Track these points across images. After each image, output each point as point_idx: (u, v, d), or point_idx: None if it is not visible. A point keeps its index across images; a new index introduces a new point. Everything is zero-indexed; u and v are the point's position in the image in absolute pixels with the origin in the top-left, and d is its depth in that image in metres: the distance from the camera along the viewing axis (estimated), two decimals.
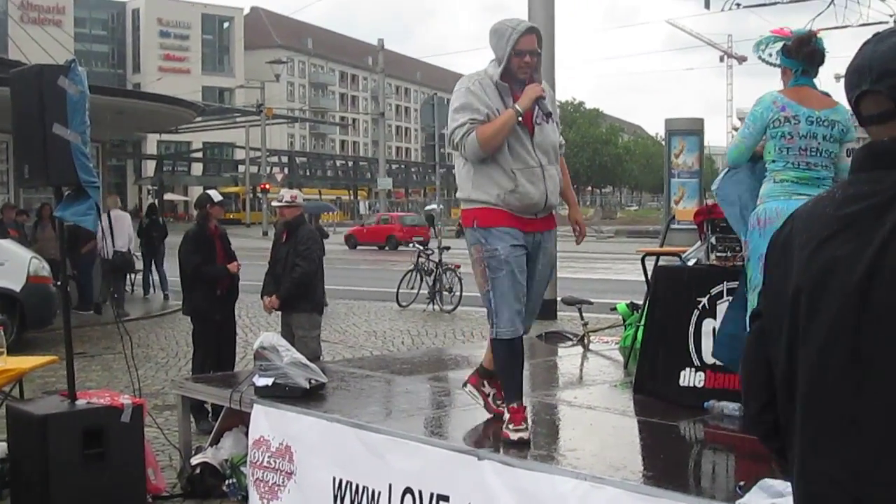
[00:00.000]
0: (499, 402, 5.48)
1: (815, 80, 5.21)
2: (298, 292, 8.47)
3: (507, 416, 5.16)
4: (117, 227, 17.07)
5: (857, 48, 2.05)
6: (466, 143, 5.03)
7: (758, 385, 2.16)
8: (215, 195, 9.33)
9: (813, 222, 2.01)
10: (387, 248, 43.08)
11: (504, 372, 5.35)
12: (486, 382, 5.62)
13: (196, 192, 70.91)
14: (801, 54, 5.13)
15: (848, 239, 1.92)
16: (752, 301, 5.17)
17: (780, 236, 2.10)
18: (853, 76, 2.00)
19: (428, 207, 61.23)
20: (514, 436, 4.98)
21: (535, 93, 5.07)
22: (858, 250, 1.89)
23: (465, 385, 5.74)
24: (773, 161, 5.13)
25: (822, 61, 5.18)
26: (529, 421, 5.25)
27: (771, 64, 5.37)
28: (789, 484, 3.97)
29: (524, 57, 5.06)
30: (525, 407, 5.28)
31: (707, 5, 29.11)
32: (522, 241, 5.14)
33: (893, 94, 1.92)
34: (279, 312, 8.77)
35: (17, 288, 12.76)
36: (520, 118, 5.04)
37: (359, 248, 43.78)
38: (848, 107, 4.83)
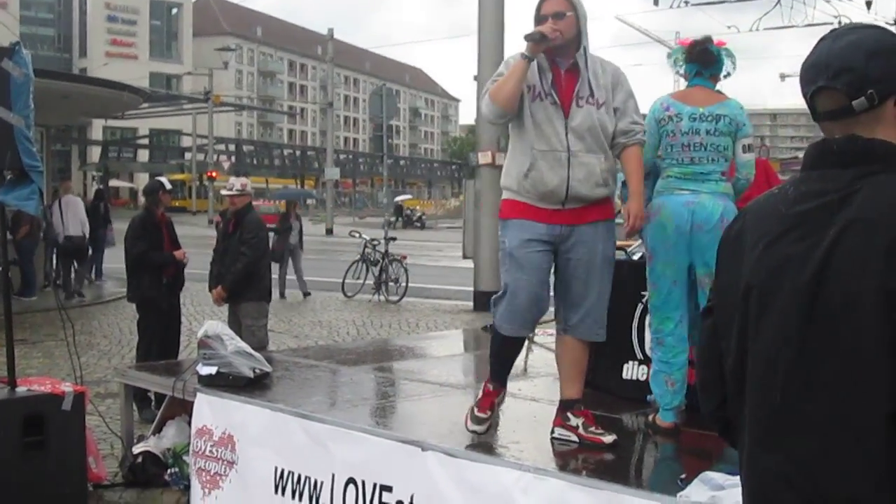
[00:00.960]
0: (591, 429, 4.88)
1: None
2: (245, 281, 8.42)
3: (479, 395, 5.05)
4: (70, 213, 17.20)
5: (801, 48, 2.07)
6: (482, 103, 4.80)
7: (714, 380, 2.16)
8: (167, 182, 9.27)
9: (764, 219, 2.02)
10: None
11: (492, 355, 5.11)
12: (570, 416, 4.94)
13: (142, 178, 70.36)
14: (693, 55, 5.27)
15: (799, 237, 1.93)
16: (651, 293, 5.31)
17: (731, 232, 2.10)
18: (810, 72, 2.00)
19: (398, 198, 61.54)
20: (470, 426, 4.94)
21: (540, 29, 4.64)
22: (809, 249, 1.90)
23: (552, 433, 5.03)
24: (663, 159, 5.26)
25: (712, 61, 5.28)
26: (497, 411, 5.10)
27: (680, 74, 5.58)
28: (729, 477, 4.02)
29: (547, 20, 4.66)
30: (499, 392, 5.07)
31: (656, 2, 29.26)
32: (540, 235, 4.74)
33: (849, 90, 1.93)
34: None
35: None
36: (550, 96, 4.70)
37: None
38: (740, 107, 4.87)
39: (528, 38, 4.64)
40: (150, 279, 8.67)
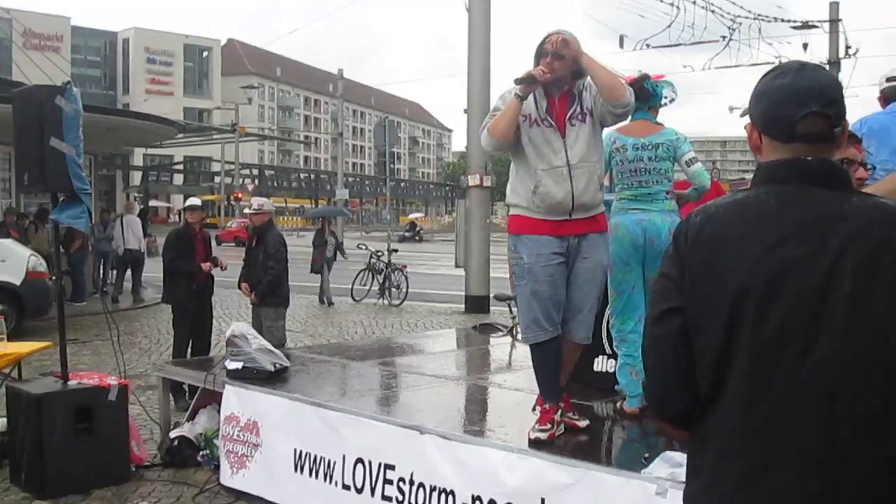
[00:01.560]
0: (569, 414, 4.85)
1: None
2: (272, 290, 8.47)
3: (537, 413, 4.77)
4: (130, 230, 17.73)
5: (746, 82, 2.05)
6: (482, 136, 4.70)
7: (682, 381, 2.00)
8: (192, 201, 9.28)
9: (751, 225, 1.94)
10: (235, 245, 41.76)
11: (536, 373, 4.86)
12: None
13: (177, 199, 70.10)
14: (635, 93, 5.20)
15: (799, 243, 1.87)
16: (613, 298, 5.33)
17: (700, 236, 1.98)
18: (801, 95, 1.93)
19: (413, 215, 61.14)
20: (532, 434, 4.61)
21: (531, 71, 4.55)
22: (813, 255, 1.85)
23: (534, 408, 4.92)
24: (617, 184, 5.36)
25: (647, 96, 5.29)
26: (557, 422, 4.73)
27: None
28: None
29: (546, 58, 4.53)
30: (558, 408, 4.77)
31: (621, 45, 29.40)
32: (554, 248, 4.64)
33: (836, 119, 1.93)
34: (249, 301, 8.76)
35: (18, 282, 12.70)
36: (546, 121, 4.60)
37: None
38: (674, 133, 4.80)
39: (518, 81, 4.59)
40: (182, 285, 8.68)
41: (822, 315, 1.81)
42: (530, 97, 4.60)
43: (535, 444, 4.51)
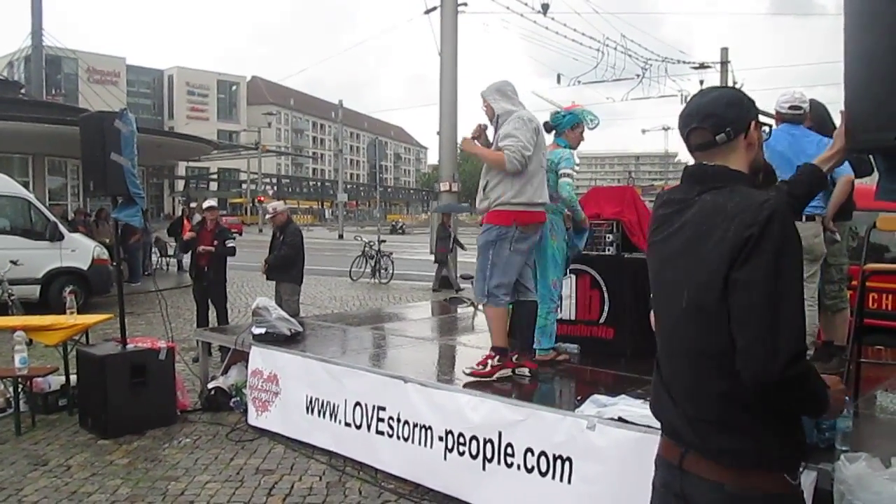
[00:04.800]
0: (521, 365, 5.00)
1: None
2: (282, 266, 8.38)
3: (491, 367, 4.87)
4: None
5: (656, 111, 2.09)
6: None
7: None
8: (209, 202, 9.23)
9: (652, 217, 2.06)
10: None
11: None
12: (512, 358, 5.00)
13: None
14: (546, 126, 5.37)
15: (659, 232, 1.98)
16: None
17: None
18: (687, 118, 1.99)
19: (397, 215, 60.45)
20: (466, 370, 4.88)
21: (471, 133, 5.04)
22: (667, 240, 1.95)
23: (513, 371, 5.00)
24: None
25: (549, 128, 5.38)
26: (494, 365, 4.85)
27: None
28: (611, 398, 4.04)
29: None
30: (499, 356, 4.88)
31: (559, 81, 29.61)
32: (532, 231, 4.98)
33: (714, 129, 1.93)
34: (272, 283, 8.64)
35: (85, 267, 12.58)
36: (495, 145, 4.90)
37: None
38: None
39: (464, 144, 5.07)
40: (195, 266, 8.75)
41: (662, 289, 1.97)
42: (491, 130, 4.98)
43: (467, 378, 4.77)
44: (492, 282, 4.78)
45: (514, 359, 4.95)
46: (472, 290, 5.65)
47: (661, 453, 1.99)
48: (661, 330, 1.99)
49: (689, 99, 2.07)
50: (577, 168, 5.37)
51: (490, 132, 5.03)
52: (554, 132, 5.41)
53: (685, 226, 1.89)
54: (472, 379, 4.78)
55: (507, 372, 4.86)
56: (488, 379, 4.77)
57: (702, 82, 30.99)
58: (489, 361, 4.87)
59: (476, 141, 5.03)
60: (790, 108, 4.79)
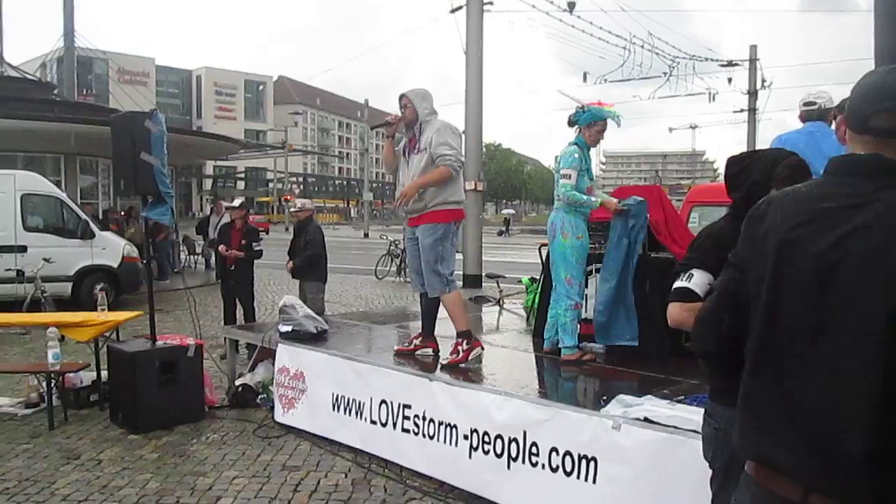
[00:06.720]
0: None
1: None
2: (307, 266, 8.43)
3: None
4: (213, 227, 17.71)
5: (683, 109, 1.97)
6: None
7: (722, 321, 1.86)
8: (234, 202, 9.29)
9: (788, 208, 1.71)
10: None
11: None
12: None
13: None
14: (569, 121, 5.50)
15: (818, 229, 1.62)
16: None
17: (756, 212, 1.79)
18: (879, 93, 1.68)
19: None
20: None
21: (387, 119, 5.46)
22: (825, 238, 1.60)
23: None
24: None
25: (571, 122, 5.47)
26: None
27: None
28: (638, 399, 3.99)
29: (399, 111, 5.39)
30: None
31: (585, 79, 29.37)
32: (409, 235, 5.54)
33: None
34: (297, 281, 8.69)
35: (116, 265, 12.73)
36: (403, 153, 5.44)
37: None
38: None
39: (374, 129, 5.75)
40: (221, 265, 8.84)
41: (824, 291, 1.59)
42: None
43: (445, 367, 5.15)
44: (446, 272, 5.34)
45: (417, 341, 5.61)
46: (412, 286, 5.94)
47: (772, 488, 1.65)
48: (801, 345, 1.62)
49: (877, 71, 1.76)
50: (575, 166, 5.35)
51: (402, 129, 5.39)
52: (576, 128, 5.41)
53: (869, 228, 1.55)
54: (451, 367, 5.16)
55: (478, 351, 5.34)
56: (465, 364, 5.22)
57: (730, 80, 30.65)
58: (459, 348, 5.29)
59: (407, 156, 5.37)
60: (804, 104, 5.01)
